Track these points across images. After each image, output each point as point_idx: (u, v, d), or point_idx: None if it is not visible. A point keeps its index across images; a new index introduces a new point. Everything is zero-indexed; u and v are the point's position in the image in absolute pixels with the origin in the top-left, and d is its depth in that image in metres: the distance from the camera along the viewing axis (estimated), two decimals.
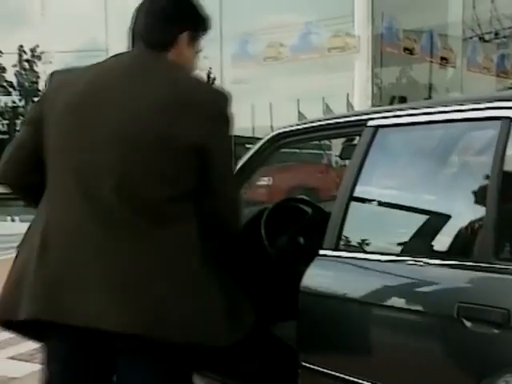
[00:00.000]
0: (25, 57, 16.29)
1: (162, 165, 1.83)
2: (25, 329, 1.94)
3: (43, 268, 1.84)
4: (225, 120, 1.95)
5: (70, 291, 1.82)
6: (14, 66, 16.26)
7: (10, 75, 16.33)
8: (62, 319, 1.81)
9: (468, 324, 1.96)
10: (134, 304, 1.81)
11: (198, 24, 2.10)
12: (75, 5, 14.01)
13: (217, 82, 11.78)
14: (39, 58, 15.40)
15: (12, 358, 4.74)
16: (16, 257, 1.97)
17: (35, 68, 15.86)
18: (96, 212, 1.85)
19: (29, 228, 1.96)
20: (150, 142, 1.81)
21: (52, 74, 2.08)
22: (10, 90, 16.31)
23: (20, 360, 4.67)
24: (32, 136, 1.92)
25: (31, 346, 4.94)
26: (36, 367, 4.50)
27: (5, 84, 16.44)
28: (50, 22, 13.85)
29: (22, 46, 16.16)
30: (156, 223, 1.85)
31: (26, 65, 16.26)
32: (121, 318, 1.79)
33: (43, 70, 14.71)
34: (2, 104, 16.13)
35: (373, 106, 8.71)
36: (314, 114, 10.17)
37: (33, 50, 15.84)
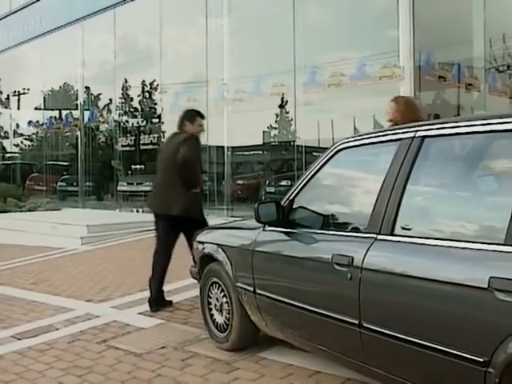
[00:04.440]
0: (145, 89, 16.49)
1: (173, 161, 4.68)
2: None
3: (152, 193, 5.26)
4: (188, 145, 4.64)
5: (153, 201, 5.01)
6: (138, 96, 16.50)
7: (135, 103, 16.62)
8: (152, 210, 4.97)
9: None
10: (163, 202, 4.76)
11: (190, 118, 4.88)
12: (184, 48, 14.16)
13: (290, 104, 11.75)
14: (156, 89, 15.56)
15: (140, 313, 4.73)
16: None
17: (153, 97, 16.07)
18: (166, 176, 4.83)
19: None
20: (167, 157, 4.79)
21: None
22: (136, 113, 16.57)
23: (146, 315, 4.65)
24: None
25: None
26: (157, 321, 4.49)
27: (132, 109, 16.72)
28: (166, 62, 14.04)
29: (144, 81, 16.38)
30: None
31: (147, 95, 16.47)
32: (164, 209, 4.74)
33: (159, 98, 14.93)
34: (130, 124, 16.41)
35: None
36: (366, 128, 9.98)
37: (151, 84, 16.04)
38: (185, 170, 4.56)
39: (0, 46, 19.55)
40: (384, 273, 2.42)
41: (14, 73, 20.09)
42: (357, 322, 2.53)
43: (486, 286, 1.97)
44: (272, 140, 13.86)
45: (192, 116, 4.86)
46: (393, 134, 2.77)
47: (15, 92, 20.48)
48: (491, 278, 1.96)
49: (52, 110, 19.09)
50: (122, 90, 16.40)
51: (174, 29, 14.38)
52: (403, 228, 2.48)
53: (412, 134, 2.59)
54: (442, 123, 2.53)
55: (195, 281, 4.39)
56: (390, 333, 2.36)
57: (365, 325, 2.49)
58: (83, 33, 16.33)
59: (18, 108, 20.60)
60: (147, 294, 5.40)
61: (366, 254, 2.51)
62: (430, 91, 10.41)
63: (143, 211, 13.02)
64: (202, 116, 4.90)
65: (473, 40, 11.08)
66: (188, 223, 4.64)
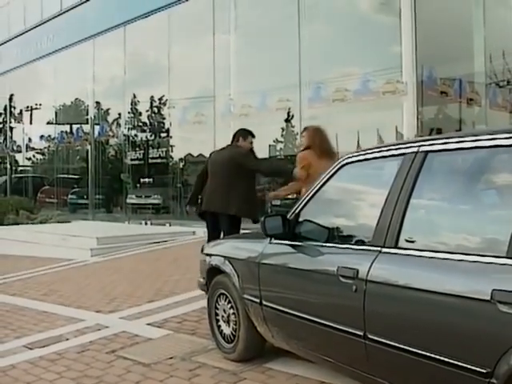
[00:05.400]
0: (154, 104, 16.56)
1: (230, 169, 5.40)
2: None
3: (206, 195, 5.60)
4: (245, 155, 5.46)
5: (209, 202, 5.49)
6: (147, 111, 16.58)
7: (144, 118, 16.71)
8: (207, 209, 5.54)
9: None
10: (220, 203, 5.37)
11: (244, 136, 5.67)
12: (191, 64, 14.24)
13: (295, 119, 11.79)
14: (164, 104, 15.64)
15: (149, 324, 4.73)
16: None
17: (161, 112, 16.14)
18: (218, 181, 5.44)
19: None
20: (225, 165, 5.43)
21: (210, 154, 5.89)
22: (144, 128, 16.63)
23: (154, 326, 4.64)
24: (205, 170, 5.71)
25: (162, 316, 4.96)
26: (165, 332, 4.48)
27: (141, 124, 16.79)
28: (174, 78, 14.14)
29: (152, 96, 16.45)
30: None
31: (156, 110, 16.54)
32: (218, 208, 5.40)
33: (168, 112, 15.01)
34: (139, 138, 16.46)
35: (417, 136, 8.55)
36: (370, 142, 10.00)
37: (160, 99, 16.12)
38: (270, 173, 6.52)
39: (14, 62, 19.78)
40: (388, 285, 2.41)
41: (27, 88, 20.27)
42: (362, 333, 2.52)
43: (488, 298, 1.96)
44: (278, 153, 13.89)
45: (245, 134, 5.74)
46: (396, 148, 2.78)
47: (28, 107, 20.66)
48: (494, 290, 1.96)
49: (63, 124, 19.23)
50: (132, 104, 16.51)
51: (182, 45, 14.50)
52: (407, 241, 2.48)
53: (415, 149, 2.60)
54: (445, 138, 2.53)
55: (203, 292, 4.38)
56: (394, 344, 2.35)
57: (369, 336, 2.48)
58: (94, 49, 16.49)
59: (31, 123, 20.78)
60: (155, 305, 5.40)
61: (370, 266, 2.51)
62: (432, 106, 10.44)
63: (151, 223, 13.03)
64: (253, 136, 5.76)
65: (474, 56, 11.12)
66: (229, 221, 5.32)
